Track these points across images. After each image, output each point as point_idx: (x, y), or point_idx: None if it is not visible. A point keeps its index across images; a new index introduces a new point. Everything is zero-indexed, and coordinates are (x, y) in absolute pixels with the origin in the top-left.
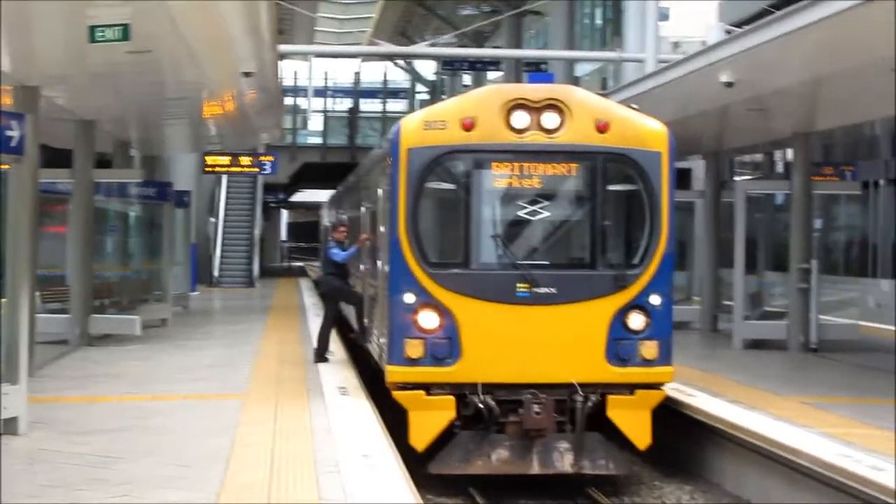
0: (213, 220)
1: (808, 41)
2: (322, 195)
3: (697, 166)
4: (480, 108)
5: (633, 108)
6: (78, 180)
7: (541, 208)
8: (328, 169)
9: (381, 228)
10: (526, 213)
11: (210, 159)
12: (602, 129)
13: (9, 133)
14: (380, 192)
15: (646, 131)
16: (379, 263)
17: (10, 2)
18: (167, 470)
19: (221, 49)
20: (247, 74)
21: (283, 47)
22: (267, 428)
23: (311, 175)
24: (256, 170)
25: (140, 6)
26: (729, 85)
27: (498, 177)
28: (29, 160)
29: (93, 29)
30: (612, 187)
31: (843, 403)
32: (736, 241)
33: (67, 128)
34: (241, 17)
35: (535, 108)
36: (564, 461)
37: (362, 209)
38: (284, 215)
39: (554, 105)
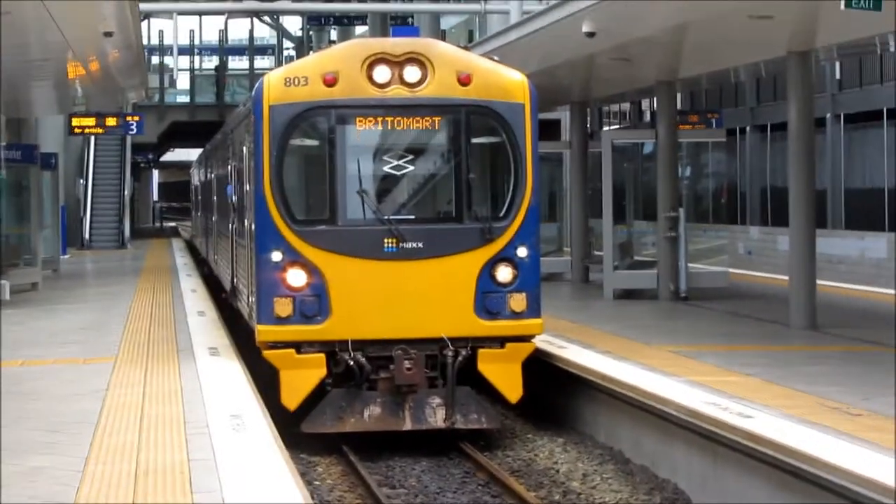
0: (81, 181)
1: None
2: (192, 154)
3: (566, 117)
4: (342, 64)
5: (495, 60)
6: None
7: (405, 163)
8: (197, 127)
9: (247, 187)
10: (390, 168)
11: (76, 120)
12: (464, 81)
13: None
14: (245, 149)
15: (508, 82)
16: (246, 222)
17: None
18: (36, 435)
19: (81, 9)
20: (108, 34)
21: (146, 6)
22: (137, 390)
23: (181, 134)
24: (122, 130)
25: None
26: (591, 35)
27: (361, 132)
28: None
29: None
30: (476, 140)
31: (713, 351)
32: (604, 192)
33: None
34: None
35: (397, 63)
36: (437, 416)
37: (229, 167)
38: (156, 175)
39: (415, 59)
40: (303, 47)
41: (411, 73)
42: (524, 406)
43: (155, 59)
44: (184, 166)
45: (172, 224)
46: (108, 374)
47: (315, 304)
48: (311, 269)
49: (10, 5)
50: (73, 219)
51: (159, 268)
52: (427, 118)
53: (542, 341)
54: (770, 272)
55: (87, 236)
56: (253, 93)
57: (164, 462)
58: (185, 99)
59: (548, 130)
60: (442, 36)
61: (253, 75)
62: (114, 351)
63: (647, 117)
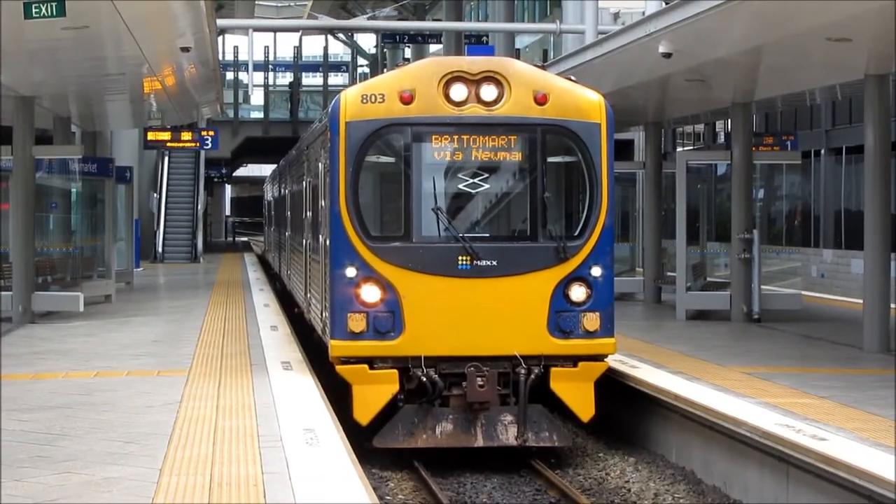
0: (155, 195)
1: (745, 10)
2: (265, 169)
3: (640, 137)
4: (418, 81)
5: (571, 80)
6: (18, 157)
7: (481, 181)
8: (270, 143)
9: (322, 202)
10: (466, 186)
11: (151, 134)
12: (541, 100)
13: None
14: (320, 165)
15: (584, 102)
16: (321, 238)
17: None
18: (111, 446)
19: (159, 24)
20: (186, 49)
21: (223, 21)
22: (210, 403)
23: (254, 149)
24: (197, 144)
25: None
26: (667, 55)
27: (437, 150)
28: None
29: (28, 5)
30: (551, 159)
31: (786, 373)
32: (677, 212)
33: (6, 104)
34: None
35: (473, 81)
36: (508, 434)
37: (304, 183)
38: (228, 190)
39: (492, 77)
40: (377, 64)
41: (488, 91)
42: (595, 425)
43: (229, 75)
44: (256, 181)
45: (244, 239)
46: (182, 387)
47: (389, 320)
48: (385, 285)
49: (87, 19)
50: (146, 232)
51: (231, 282)
52: (503, 137)
53: (615, 361)
54: (842, 295)
55: (160, 250)
56: (329, 109)
57: (238, 475)
58: (258, 115)
59: (621, 150)
60: (516, 55)
61: (327, 92)
62: (187, 364)
63: (721, 138)
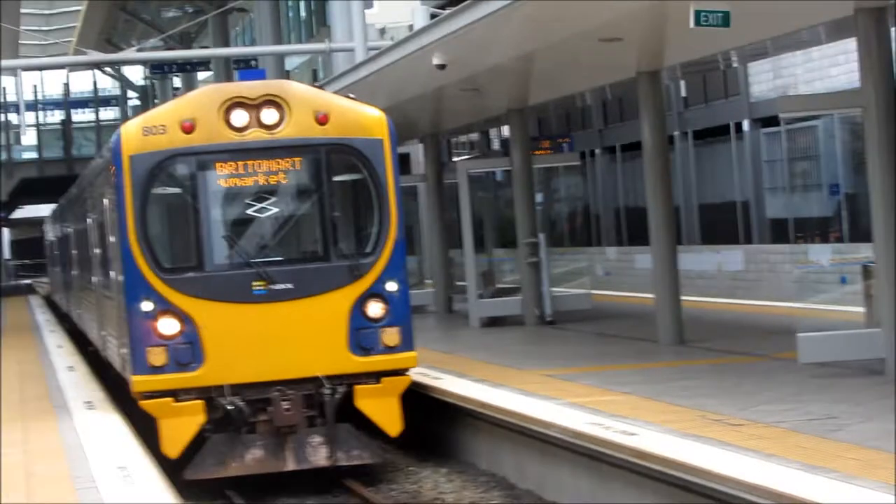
0: None
1: (515, 17)
2: (43, 210)
3: (416, 150)
4: (199, 110)
5: (351, 98)
6: None
7: (269, 205)
8: (47, 183)
9: (111, 238)
10: (254, 211)
11: None
12: (322, 120)
13: None
14: (105, 202)
15: (366, 119)
16: (112, 274)
17: None
18: None
19: None
20: None
21: None
22: (17, 450)
23: (31, 190)
24: None
25: None
26: (441, 67)
27: (222, 177)
28: None
29: None
30: (337, 178)
31: (586, 372)
32: (462, 222)
33: None
34: None
35: (254, 106)
36: (319, 455)
37: (89, 220)
38: (6, 233)
39: (272, 101)
40: (147, 96)
41: (269, 115)
42: (406, 439)
43: None
44: (35, 223)
45: (28, 281)
46: None
47: (189, 351)
48: (183, 316)
49: None
50: None
51: (20, 325)
52: (287, 159)
53: (418, 374)
54: (629, 291)
55: None
56: (111, 144)
57: None
58: (32, 154)
59: (399, 164)
60: (286, 76)
61: (100, 127)
62: None
63: (495, 145)
